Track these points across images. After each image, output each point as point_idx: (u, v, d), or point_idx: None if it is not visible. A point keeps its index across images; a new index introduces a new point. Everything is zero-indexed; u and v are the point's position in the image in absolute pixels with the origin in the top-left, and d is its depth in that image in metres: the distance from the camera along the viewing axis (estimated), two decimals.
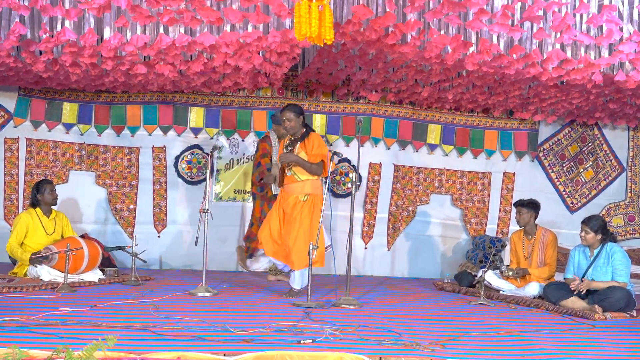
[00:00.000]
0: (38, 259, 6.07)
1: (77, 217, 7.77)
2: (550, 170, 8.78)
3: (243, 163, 8.05)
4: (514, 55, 5.57)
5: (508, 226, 8.57)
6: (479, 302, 5.97)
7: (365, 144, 8.26)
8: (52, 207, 6.64)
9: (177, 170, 8.07)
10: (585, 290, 5.74)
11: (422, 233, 8.44)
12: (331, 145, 8.08)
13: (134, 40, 5.33)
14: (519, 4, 5.28)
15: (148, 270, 7.40)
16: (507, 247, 7.46)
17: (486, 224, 8.55)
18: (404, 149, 8.43)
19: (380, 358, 3.59)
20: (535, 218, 6.72)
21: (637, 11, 5.53)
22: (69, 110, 7.92)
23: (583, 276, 5.88)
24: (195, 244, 5.98)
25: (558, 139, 8.81)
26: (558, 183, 8.79)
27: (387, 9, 5.21)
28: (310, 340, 3.86)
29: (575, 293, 5.75)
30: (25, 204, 7.52)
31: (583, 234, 5.91)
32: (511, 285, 6.61)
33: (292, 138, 5.96)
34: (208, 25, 5.35)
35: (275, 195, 6.94)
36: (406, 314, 5.26)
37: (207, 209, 5.94)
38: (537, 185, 8.64)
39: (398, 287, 7.21)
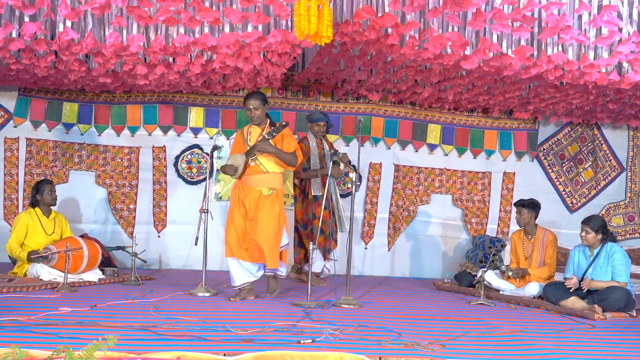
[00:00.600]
0: (37, 258, 6.07)
1: (77, 217, 7.77)
2: (550, 170, 8.78)
3: None
4: (520, 61, 5.55)
5: (508, 226, 8.57)
6: (479, 302, 5.98)
7: (365, 143, 8.26)
8: (52, 207, 6.65)
9: (177, 170, 8.07)
10: (585, 290, 5.75)
11: (423, 233, 8.43)
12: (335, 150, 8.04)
13: (129, 40, 5.32)
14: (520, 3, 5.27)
15: (148, 270, 7.41)
16: (507, 247, 7.47)
17: (486, 224, 8.55)
18: (404, 149, 8.43)
19: (380, 358, 3.59)
20: (536, 218, 6.72)
21: (637, 11, 5.53)
22: (69, 110, 7.92)
23: (583, 276, 5.88)
24: (195, 244, 5.97)
25: (558, 139, 8.81)
26: (558, 183, 8.79)
27: (388, 9, 5.20)
28: (310, 340, 3.86)
29: (574, 292, 5.75)
30: (25, 204, 7.51)
31: (583, 233, 5.91)
32: (511, 285, 6.61)
33: (265, 135, 5.52)
34: (208, 25, 5.34)
35: (315, 197, 6.87)
36: (406, 314, 5.27)
37: (207, 209, 5.94)
38: (537, 185, 8.64)
39: (398, 287, 7.20)
